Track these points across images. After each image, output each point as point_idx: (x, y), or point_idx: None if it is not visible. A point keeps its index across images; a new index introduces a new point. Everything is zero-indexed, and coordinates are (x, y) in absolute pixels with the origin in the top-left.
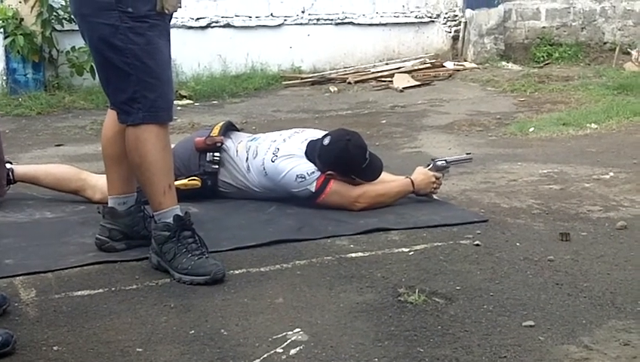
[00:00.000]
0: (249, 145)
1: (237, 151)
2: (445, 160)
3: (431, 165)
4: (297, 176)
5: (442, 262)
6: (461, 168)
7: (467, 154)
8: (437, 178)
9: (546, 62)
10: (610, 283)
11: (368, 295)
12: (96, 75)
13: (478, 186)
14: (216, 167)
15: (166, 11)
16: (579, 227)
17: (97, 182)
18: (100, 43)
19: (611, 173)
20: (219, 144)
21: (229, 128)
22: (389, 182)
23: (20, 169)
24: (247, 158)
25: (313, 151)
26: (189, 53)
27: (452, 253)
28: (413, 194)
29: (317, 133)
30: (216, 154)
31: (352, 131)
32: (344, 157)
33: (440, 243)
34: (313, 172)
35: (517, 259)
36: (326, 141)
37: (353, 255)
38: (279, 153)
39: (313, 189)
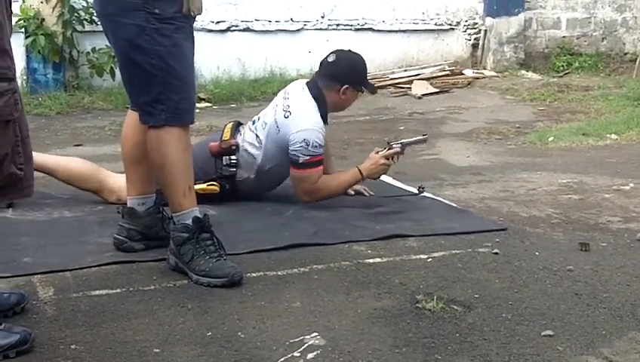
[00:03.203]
0: (253, 126)
1: (244, 137)
2: (401, 142)
3: (386, 148)
4: (304, 140)
5: (460, 270)
6: (479, 176)
7: (423, 135)
8: (387, 158)
9: (566, 71)
10: (630, 294)
11: (386, 301)
12: (116, 76)
13: (497, 195)
14: (234, 170)
15: (192, 14)
16: (598, 237)
17: (114, 184)
18: (125, 43)
19: (631, 184)
20: (234, 147)
21: (238, 127)
22: (339, 175)
23: (38, 158)
24: (256, 136)
25: (318, 86)
26: (209, 57)
27: (470, 261)
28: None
29: (300, 83)
30: (233, 157)
31: None
32: (358, 64)
33: (458, 251)
34: (316, 146)
35: (536, 269)
36: (332, 58)
37: (371, 260)
38: (291, 108)
39: (301, 160)
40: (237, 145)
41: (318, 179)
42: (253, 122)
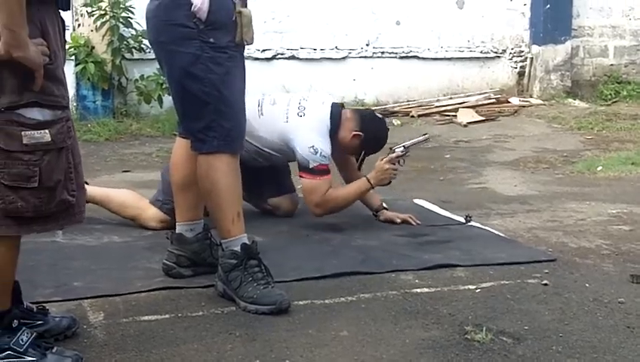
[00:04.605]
0: (260, 97)
1: None
2: (403, 145)
3: (389, 153)
4: (313, 146)
5: (509, 301)
6: (527, 206)
7: (424, 135)
8: (392, 163)
9: (614, 100)
10: None
11: (434, 331)
12: (164, 104)
13: (545, 225)
14: None
15: (244, 43)
16: None
17: (148, 211)
18: (179, 71)
19: None
20: None
21: None
22: (348, 186)
23: (89, 190)
24: (259, 104)
25: (341, 112)
26: (254, 84)
27: (519, 292)
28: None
29: (321, 96)
30: None
31: None
32: (382, 139)
33: (507, 282)
34: (325, 156)
35: (586, 300)
36: (379, 115)
37: (418, 290)
38: (306, 111)
39: (311, 166)
40: None
41: (327, 189)
42: (261, 95)
